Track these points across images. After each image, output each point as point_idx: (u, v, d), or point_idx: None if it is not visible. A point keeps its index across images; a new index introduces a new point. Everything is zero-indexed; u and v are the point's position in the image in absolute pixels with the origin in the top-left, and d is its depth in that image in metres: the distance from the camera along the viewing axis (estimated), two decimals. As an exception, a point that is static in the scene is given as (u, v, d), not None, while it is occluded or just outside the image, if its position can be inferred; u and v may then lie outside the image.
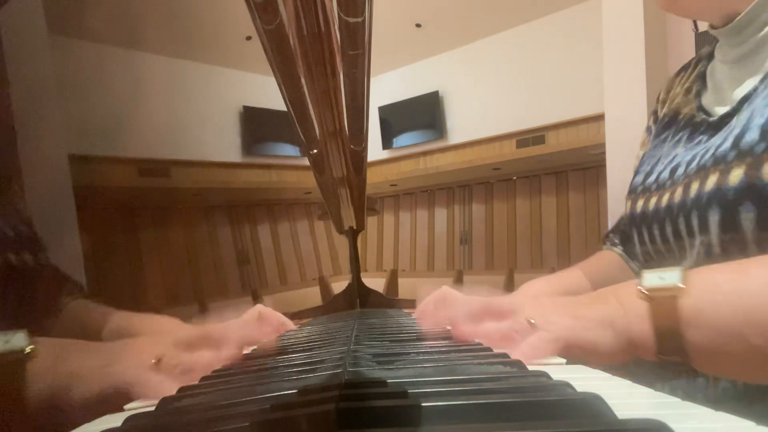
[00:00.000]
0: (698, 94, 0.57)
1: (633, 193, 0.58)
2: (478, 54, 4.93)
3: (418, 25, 4.55)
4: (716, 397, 0.44)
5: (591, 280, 0.66)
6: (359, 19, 0.43)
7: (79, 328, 0.62)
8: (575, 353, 0.38)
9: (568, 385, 0.25)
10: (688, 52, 3.17)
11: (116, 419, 0.27)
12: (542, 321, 0.40)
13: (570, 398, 0.21)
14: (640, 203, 0.55)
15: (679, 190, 0.48)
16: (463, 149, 4.89)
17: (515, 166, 4.52)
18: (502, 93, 4.75)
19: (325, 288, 4.85)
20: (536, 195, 4.62)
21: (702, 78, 0.58)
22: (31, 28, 1.65)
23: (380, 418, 0.20)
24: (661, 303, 0.35)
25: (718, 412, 0.21)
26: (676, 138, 0.56)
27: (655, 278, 0.36)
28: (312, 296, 4.72)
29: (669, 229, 0.49)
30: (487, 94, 4.87)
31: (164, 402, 0.30)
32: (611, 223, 3.53)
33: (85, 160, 3.17)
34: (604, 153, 3.31)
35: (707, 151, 0.47)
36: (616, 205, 3.20)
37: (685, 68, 0.62)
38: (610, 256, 0.72)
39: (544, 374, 0.28)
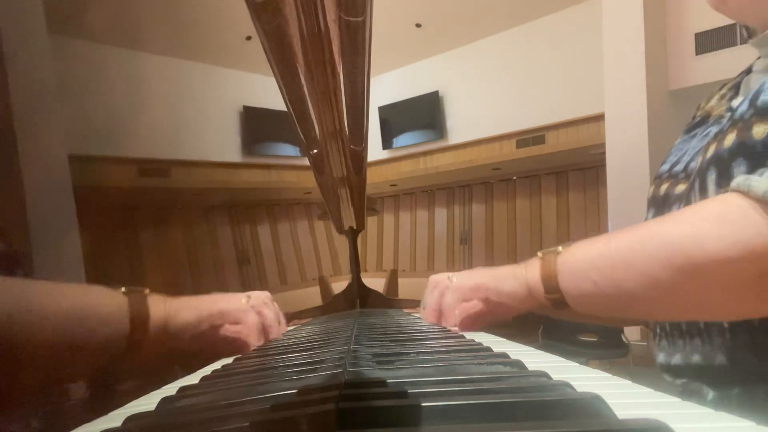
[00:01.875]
0: (730, 99, 0.60)
1: (658, 178, 0.62)
2: (478, 54, 4.94)
3: (418, 25, 4.56)
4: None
5: None
6: (359, 19, 0.43)
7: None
8: (493, 299, 0.54)
9: (568, 385, 0.25)
10: (688, 52, 3.18)
11: (116, 419, 0.27)
12: (461, 278, 0.59)
13: (570, 398, 0.21)
14: (664, 187, 0.59)
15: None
16: (463, 149, 4.90)
17: (515, 166, 4.52)
18: (502, 93, 4.76)
19: (325, 288, 4.85)
20: (536, 195, 4.62)
21: (737, 88, 0.60)
22: (31, 28, 1.66)
23: (380, 418, 0.20)
24: (547, 259, 0.50)
25: (718, 412, 0.21)
26: (705, 133, 0.59)
27: (551, 248, 0.50)
28: (312, 296, 4.73)
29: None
30: (487, 94, 4.88)
31: (164, 402, 0.30)
32: (611, 222, 3.52)
33: (85, 160, 3.17)
34: (604, 153, 3.32)
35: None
36: (616, 205, 3.21)
37: (727, 82, 0.66)
38: None
39: (544, 374, 0.28)
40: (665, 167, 0.62)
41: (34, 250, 1.60)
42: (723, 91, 0.64)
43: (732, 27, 3.01)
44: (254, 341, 0.56)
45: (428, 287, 0.66)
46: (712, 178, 0.47)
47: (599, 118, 3.48)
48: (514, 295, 0.52)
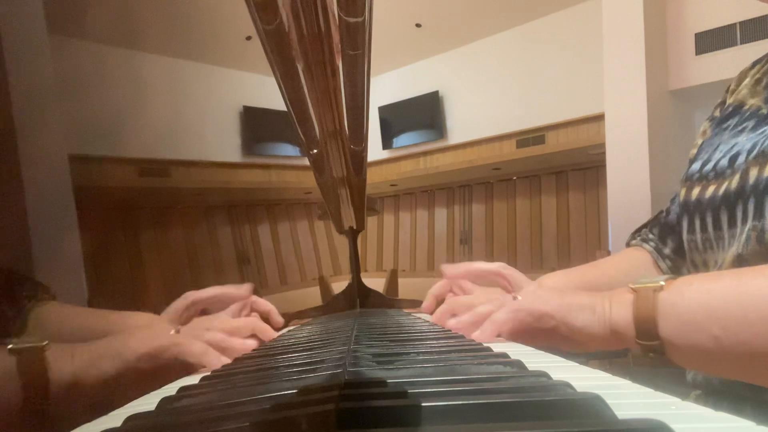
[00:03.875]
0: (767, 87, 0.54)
1: (689, 180, 0.56)
2: (478, 54, 4.94)
3: (418, 25, 4.55)
4: None
5: (609, 276, 0.65)
6: (359, 19, 0.43)
7: (49, 332, 0.58)
8: (562, 331, 0.45)
9: (568, 385, 0.25)
10: (689, 52, 3.18)
11: (116, 419, 0.27)
12: (526, 298, 0.48)
13: (570, 398, 0.21)
14: (695, 191, 0.53)
15: (737, 178, 0.47)
16: (463, 149, 4.90)
17: (515, 166, 4.52)
18: (502, 93, 4.76)
19: (325, 288, 4.85)
20: (536, 195, 4.62)
21: None
22: (31, 28, 1.65)
23: (380, 418, 0.20)
24: (643, 295, 0.40)
25: (718, 412, 0.21)
26: (739, 128, 0.54)
27: (646, 280, 0.41)
28: (312, 296, 4.73)
29: (724, 217, 0.48)
30: (487, 94, 4.88)
31: (164, 402, 0.30)
32: (611, 222, 3.51)
33: (85, 160, 3.17)
34: (604, 153, 3.32)
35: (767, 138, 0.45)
36: (616, 205, 3.21)
37: (759, 61, 0.59)
38: (635, 255, 0.69)
39: (544, 374, 0.28)
40: (696, 166, 0.56)
41: (34, 250, 1.60)
42: (757, 75, 0.57)
43: (732, 27, 3.01)
44: (213, 363, 0.46)
45: (483, 291, 0.57)
46: None
47: (599, 118, 3.48)
48: (589, 334, 0.43)
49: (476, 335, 0.48)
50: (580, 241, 4.27)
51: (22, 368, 0.36)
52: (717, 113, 0.62)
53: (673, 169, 3.15)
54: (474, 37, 4.86)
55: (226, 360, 0.48)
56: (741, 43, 2.95)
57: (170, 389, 0.36)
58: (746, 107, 0.55)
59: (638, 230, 0.73)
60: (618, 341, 0.41)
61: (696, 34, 3.14)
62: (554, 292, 0.48)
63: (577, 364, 0.35)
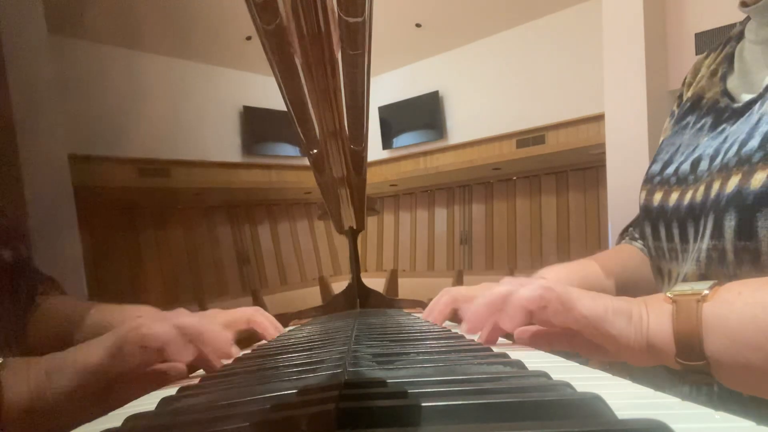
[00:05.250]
0: (724, 77, 0.52)
1: (649, 183, 0.54)
2: (479, 54, 4.93)
3: (418, 25, 4.55)
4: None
5: (608, 271, 0.62)
6: (359, 19, 0.43)
7: (55, 326, 0.56)
8: (591, 335, 0.38)
9: (568, 385, 0.25)
10: (688, 52, 3.18)
11: (116, 419, 0.27)
12: (558, 285, 0.40)
13: (570, 398, 0.21)
14: (657, 196, 0.51)
15: (702, 189, 0.45)
16: (463, 149, 4.90)
17: (515, 166, 4.52)
18: (502, 93, 4.76)
19: (325, 288, 4.85)
20: (536, 195, 4.62)
21: (730, 60, 0.53)
22: (31, 28, 1.65)
23: (380, 418, 0.20)
24: (685, 306, 0.35)
25: (719, 412, 0.21)
26: (699, 125, 0.52)
27: (686, 286, 0.36)
28: (312, 296, 4.72)
29: (691, 229, 0.46)
30: (487, 94, 4.88)
31: (164, 402, 0.30)
32: (611, 222, 3.52)
33: (85, 160, 3.16)
34: (604, 153, 3.32)
35: (732, 146, 0.43)
36: (616, 205, 3.20)
37: (713, 49, 0.57)
38: (628, 250, 0.67)
39: (544, 374, 0.28)
40: (656, 168, 0.54)
41: (34, 250, 1.60)
42: (712, 66, 0.55)
43: (732, 27, 3.01)
44: (177, 353, 0.41)
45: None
46: (730, 225, 0.39)
47: (599, 118, 3.48)
48: (622, 343, 0.37)
49: (500, 320, 0.42)
50: (580, 241, 4.27)
51: None
52: (675, 107, 0.61)
53: (673, 169, 3.15)
54: (474, 37, 4.86)
55: (189, 356, 0.42)
56: (741, 43, 2.94)
57: (170, 389, 0.36)
58: (704, 100, 0.53)
59: (625, 229, 0.72)
60: (654, 357, 0.36)
61: (696, 34, 3.14)
62: (582, 290, 0.41)
63: (577, 364, 0.35)
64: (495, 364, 0.32)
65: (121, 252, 3.83)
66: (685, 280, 0.46)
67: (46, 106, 1.68)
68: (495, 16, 4.44)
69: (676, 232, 0.48)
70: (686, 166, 0.49)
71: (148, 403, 0.32)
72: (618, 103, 3.22)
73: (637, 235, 0.69)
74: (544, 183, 4.57)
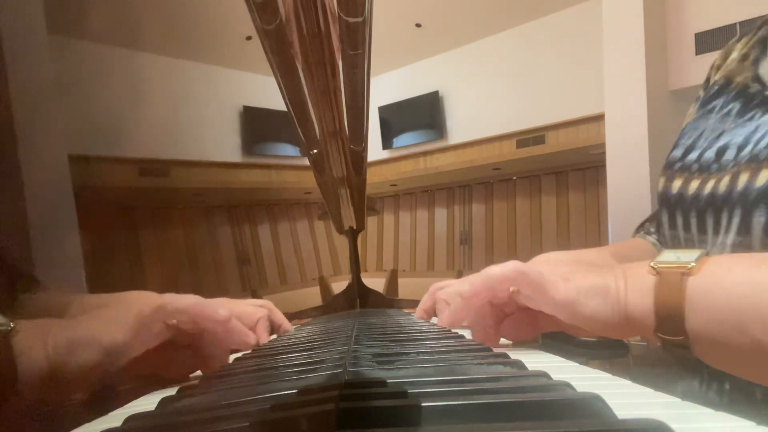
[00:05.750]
0: (756, 62, 0.49)
1: (669, 168, 0.51)
2: (479, 54, 4.94)
3: (418, 25, 4.55)
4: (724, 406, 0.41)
5: (608, 259, 0.59)
6: (359, 19, 0.43)
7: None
8: (566, 318, 0.38)
9: (568, 385, 0.25)
10: (688, 52, 3.18)
11: (116, 419, 0.27)
12: (517, 263, 0.40)
13: (570, 398, 0.21)
14: (677, 183, 0.48)
15: (726, 180, 0.42)
16: (463, 149, 4.90)
17: (515, 166, 4.52)
18: (503, 93, 4.76)
19: (325, 288, 4.85)
20: (536, 195, 4.62)
21: (763, 44, 0.50)
22: (31, 28, 1.65)
23: (380, 418, 0.20)
24: (668, 278, 0.33)
25: (719, 412, 0.21)
26: (726, 110, 0.49)
27: (672, 256, 0.34)
28: (312, 296, 4.72)
29: (710, 221, 0.43)
30: (487, 94, 4.88)
31: (164, 402, 0.30)
32: (611, 222, 3.51)
33: (85, 160, 3.16)
34: (604, 153, 3.32)
35: (764, 137, 0.41)
36: (616, 205, 3.21)
37: (746, 33, 0.54)
38: (640, 244, 0.65)
39: (544, 374, 0.28)
40: (677, 153, 0.51)
41: (34, 250, 1.60)
42: (744, 50, 0.52)
43: (732, 27, 3.01)
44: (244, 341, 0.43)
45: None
46: (760, 221, 0.37)
47: (599, 118, 3.48)
48: (598, 321, 0.36)
49: (463, 293, 0.42)
50: (580, 241, 4.27)
51: None
52: (701, 93, 0.58)
53: (673, 169, 3.15)
54: (474, 37, 4.86)
55: (221, 328, 0.42)
56: (741, 43, 2.94)
57: (170, 389, 0.36)
58: (732, 84, 0.51)
59: (641, 225, 0.70)
60: (633, 330, 0.35)
61: (696, 34, 3.14)
62: (556, 267, 0.39)
63: (577, 364, 0.35)
64: (495, 364, 0.32)
65: (121, 252, 3.83)
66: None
67: (46, 106, 1.68)
68: (495, 16, 4.44)
69: (693, 221, 0.46)
70: (710, 154, 0.46)
71: (148, 403, 0.32)
72: (618, 103, 3.22)
73: (653, 230, 0.66)
74: (544, 183, 4.57)
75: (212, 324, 0.42)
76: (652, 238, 0.65)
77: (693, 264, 0.32)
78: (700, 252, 0.34)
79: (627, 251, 0.63)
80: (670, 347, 0.33)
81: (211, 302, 0.43)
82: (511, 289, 0.41)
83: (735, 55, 0.53)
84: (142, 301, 0.39)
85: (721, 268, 0.32)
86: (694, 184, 0.46)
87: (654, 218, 0.67)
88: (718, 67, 0.56)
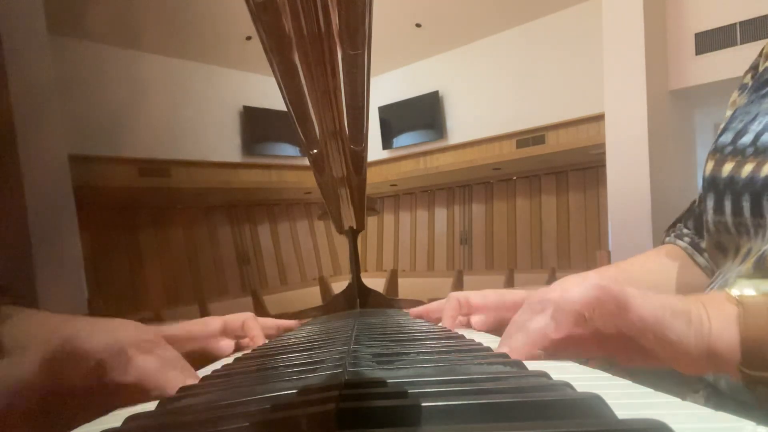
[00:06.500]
0: None
1: (718, 153, 0.49)
2: (479, 54, 4.94)
3: (418, 25, 4.55)
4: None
5: (635, 278, 0.57)
6: (359, 20, 0.43)
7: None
8: (645, 341, 0.33)
9: (568, 385, 0.25)
10: (688, 52, 3.18)
11: (116, 419, 0.27)
12: (576, 284, 0.35)
13: (570, 398, 0.21)
14: (727, 167, 0.47)
15: None
16: (463, 149, 4.90)
17: (515, 166, 4.52)
18: (503, 93, 4.76)
19: (325, 288, 4.85)
20: (536, 195, 4.62)
21: None
22: (31, 28, 1.66)
23: (380, 418, 0.20)
24: (754, 308, 0.30)
25: (719, 412, 0.21)
26: None
27: (751, 283, 0.32)
28: (312, 296, 4.73)
29: (767, 203, 0.42)
30: (488, 94, 4.88)
31: (164, 402, 0.30)
32: (611, 222, 3.50)
33: (85, 160, 3.17)
34: (604, 153, 3.32)
35: None
36: (616, 205, 3.20)
37: None
38: (666, 253, 0.61)
39: (544, 374, 0.28)
40: (727, 137, 0.49)
41: (34, 250, 1.60)
42: None
43: (732, 27, 3.01)
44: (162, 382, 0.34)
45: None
46: None
47: (599, 118, 3.48)
48: (681, 350, 0.32)
49: (547, 330, 0.35)
50: (580, 241, 4.28)
51: None
52: (748, 80, 0.56)
53: (674, 169, 3.16)
54: (474, 37, 4.86)
55: (130, 377, 0.35)
56: (741, 43, 2.95)
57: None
58: None
59: (672, 225, 0.66)
60: (713, 365, 0.32)
61: (696, 34, 3.14)
62: (636, 290, 0.34)
63: (577, 364, 0.35)
64: (495, 364, 0.32)
65: (121, 252, 3.83)
66: (763, 256, 0.42)
67: (46, 106, 1.68)
68: (495, 16, 4.45)
69: (746, 205, 0.44)
70: (767, 137, 0.44)
71: (148, 403, 0.32)
72: (618, 103, 3.22)
73: (686, 230, 0.62)
74: (544, 183, 4.57)
75: (117, 376, 0.35)
76: (684, 242, 0.61)
77: None
78: None
79: (649, 266, 0.59)
80: (754, 384, 0.31)
81: (139, 342, 0.37)
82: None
83: None
84: (55, 336, 0.35)
85: None
86: (747, 168, 0.44)
87: (689, 215, 0.64)
88: (767, 55, 0.55)
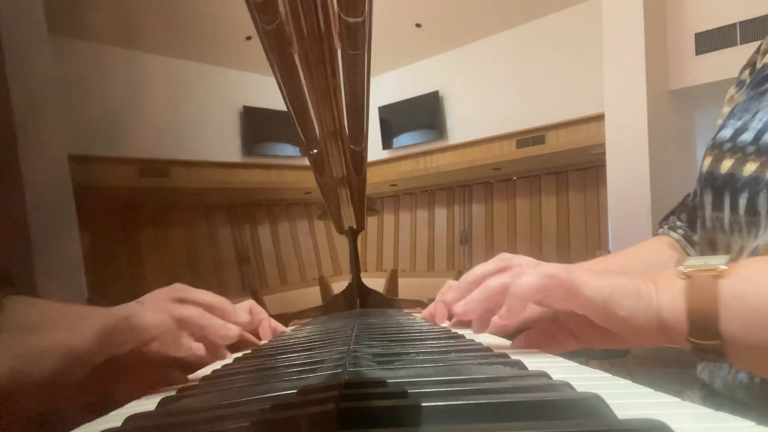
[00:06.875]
0: None
1: (717, 148, 0.49)
2: (479, 54, 4.94)
3: (418, 25, 4.55)
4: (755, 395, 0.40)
5: (627, 268, 0.58)
6: (359, 19, 0.43)
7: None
8: (598, 320, 0.36)
9: (568, 385, 0.25)
10: (688, 52, 3.18)
11: (116, 419, 0.27)
12: (553, 267, 0.37)
13: (570, 398, 0.21)
14: (727, 163, 0.47)
15: None
16: (463, 149, 4.90)
17: (515, 166, 4.52)
18: (503, 93, 4.76)
19: (325, 288, 4.85)
20: (536, 195, 4.62)
21: None
22: (31, 28, 1.65)
23: (380, 418, 0.20)
24: (700, 282, 0.32)
25: (719, 412, 0.21)
26: None
27: (699, 260, 0.34)
28: (312, 296, 4.73)
29: (763, 200, 0.42)
30: (487, 94, 4.88)
31: (164, 402, 0.30)
32: (611, 222, 3.51)
33: (85, 160, 3.17)
34: (604, 153, 3.33)
35: None
36: (616, 205, 3.21)
37: None
38: (659, 244, 0.62)
39: (544, 374, 0.28)
40: (726, 133, 0.49)
41: (34, 250, 1.60)
42: None
43: (732, 27, 3.01)
44: (175, 345, 0.40)
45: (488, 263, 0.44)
46: None
47: (599, 118, 3.48)
48: (632, 324, 0.34)
49: (500, 315, 0.39)
50: (580, 241, 4.28)
51: None
52: (746, 77, 0.57)
53: (673, 169, 3.16)
54: (474, 37, 4.86)
55: (183, 351, 0.40)
56: (741, 43, 2.95)
57: (170, 389, 0.36)
58: None
59: (666, 218, 0.67)
60: (664, 336, 0.34)
61: (696, 34, 3.14)
62: (587, 271, 0.37)
63: (577, 364, 0.35)
64: (495, 364, 0.32)
65: (122, 252, 3.83)
66: (755, 253, 0.43)
67: (46, 106, 1.68)
68: (495, 16, 4.45)
69: (742, 202, 0.45)
70: None
71: (148, 403, 0.32)
72: (618, 103, 3.22)
73: (679, 223, 0.64)
74: (544, 183, 4.57)
75: (170, 351, 0.41)
76: (678, 234, 0.62)
77: (724, 267, 0.32)
78: (728, 257, 0.34)
79: (642, 256, 0.61)
80: (702, 352, 0.33)
81: (185, 321, 0.42)
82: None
83: None
84: (111, 311, 0.39)
85: (751, 270, 0.32)
86: (750, 166, 0.44)
87: (683, 207, 0.64)
88: (765, 51, 0.55)
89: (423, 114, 5.30)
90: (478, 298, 0.41)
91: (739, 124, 0.48)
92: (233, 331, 0.45)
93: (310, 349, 0.44)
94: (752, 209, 0.44)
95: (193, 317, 0.42)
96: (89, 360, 0.36)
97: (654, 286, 0.34)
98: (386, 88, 5.46)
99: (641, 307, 0.34)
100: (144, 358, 0.41)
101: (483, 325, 0.44)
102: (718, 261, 0.33)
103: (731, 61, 2.92)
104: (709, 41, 3.08)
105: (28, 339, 0.35)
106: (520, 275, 0.38)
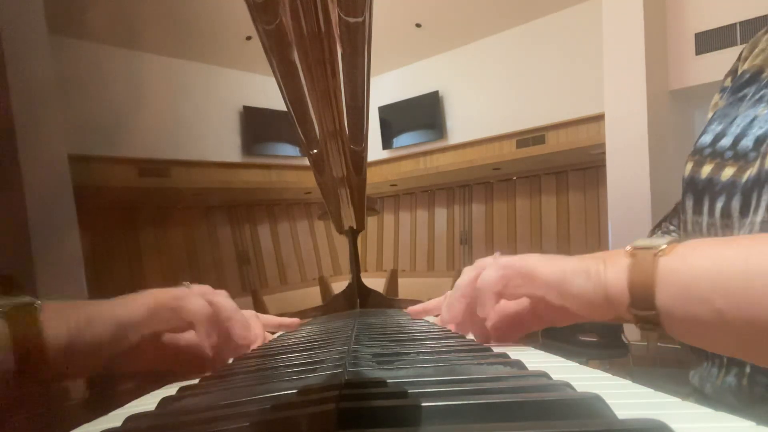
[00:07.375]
0: None
1: (698, 154, 0.51)
2: (479, 54, 4.94)
3: (418, 25, 4.55)
4: (750, 399, 0.41)
5: None
6: (359, 19, 0.43)
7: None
8: (552, 300, 0.40)
9: (568, 385, 0.25)
10: (688, 52, 3.18)
11: (116, 419, 0.27)
12: (511, 258, 0.43)
13: (570, 398, 0.21)
14: (707, 169, 0.48)
15: (757, 164, 0.43)
16: (463, 149, 4.90)
17: (515, 166, 4.52)
18: (503, 93, 4.76)
19: (325, 288, 4.85)
20: (536, 195, 4.62)
21: None
22: (31, 28, 1.65)
23: (380, 418, 0.20)
24: (642, 259, 0.36)
25: (719, 412, 0.21)
26: (758, 96, 0.49)
27: (646, 241, 0.37)
28: (312, 296, 4.72)
29: (736, 204, 0.44)
30: (487, 94, 4.88)
31: (164, 402, 0.30)
32: (611, 222, 3.51)
33: (85, 160, 3.17)
34: (604, 153, 3.33)
35: None
36: (616, 205, 3.21)
37: None
38: None
39: (544, 374, 0.28)
40: (706, 139, 0.51)
41: (34, 250, 1.60)
42: None
43: (732, 27, 3.01)
44: (212, 343, 0.44)
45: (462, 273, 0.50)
46: None
47: (599, 118, 3.48)
48: (584, 300, 0.39)
49: (478, 312, 0.44)
50: (580, 241, 4.27)
51: (15, 331, 0.32)
52: (728, 83, 0.58)
53: (673, 169, 3.15)
54: (474, 37, 4.86)
55: (213, 339, 0.44)
56: (741, 43, 2.95)
57: (170, 389, 0.36)
58: (765, 74, 0.51)
59: (659, 224, 0.69)
60: (611, 309, 0.38)
61: (696, 34, 3.14)
62: (539, 255, 0.42)
63: (577, 364, 0.35)
64: (495, 364, 0.32)
65: (122, 252, 3.83)
66: None
67: (46, 106, 1.68)
68: (495, 16, 4.45)
69: (719, 206, 0.46)
70: (748, 143, 0.46)
71: (148, 403, 0.32)
72: (618, 103, 3.22)
73: (672, 227, 0.66)
74: (544, 183, 4.57)
75: (203, 336, 0.44)
76: (670, 238, 0.63)
77: (664, 246, 0.36)
78: (672, 238, 0.37)
79: None
80: (642, 323, 0.36)
81: (220, 311, 0.46)
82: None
83: (763, 45, 0.54)
84: (162, 290, 0.44)
85: (688, 248, 0.36)
86: (728, 171, 0.46)
87: (675, 213, 0.66)
88: (745, 59, 0.56)
89: (423, 114, 5.30)
90: (455, 298, 0.46)
91: (718, 129, 0.50)
92: (256, 337, 0.51)
93: (310, 349, 0.44)
94: (726, 213, 0.46)
95: (227, 309, 0.46)
96: (137, 330, 0.40)
97: (603, 265, 0.39)
98: (386, 88, 5.45)
99: (591, 283, 0.38)
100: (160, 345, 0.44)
101: (479, 331, 0.48)
102: (661, 241, 0.37)
103: (731, 62, 2.91)
104: (709, 41, 3.08)
105: (84, 307, 0.39)
106: (483, 270, 0.44)
